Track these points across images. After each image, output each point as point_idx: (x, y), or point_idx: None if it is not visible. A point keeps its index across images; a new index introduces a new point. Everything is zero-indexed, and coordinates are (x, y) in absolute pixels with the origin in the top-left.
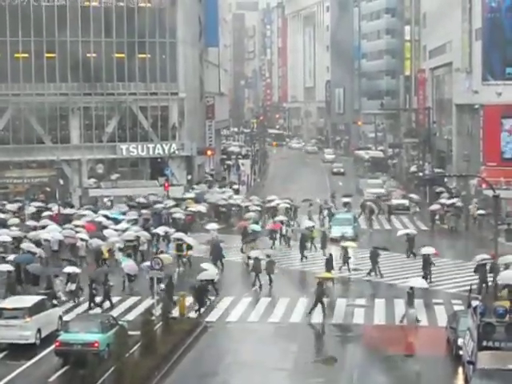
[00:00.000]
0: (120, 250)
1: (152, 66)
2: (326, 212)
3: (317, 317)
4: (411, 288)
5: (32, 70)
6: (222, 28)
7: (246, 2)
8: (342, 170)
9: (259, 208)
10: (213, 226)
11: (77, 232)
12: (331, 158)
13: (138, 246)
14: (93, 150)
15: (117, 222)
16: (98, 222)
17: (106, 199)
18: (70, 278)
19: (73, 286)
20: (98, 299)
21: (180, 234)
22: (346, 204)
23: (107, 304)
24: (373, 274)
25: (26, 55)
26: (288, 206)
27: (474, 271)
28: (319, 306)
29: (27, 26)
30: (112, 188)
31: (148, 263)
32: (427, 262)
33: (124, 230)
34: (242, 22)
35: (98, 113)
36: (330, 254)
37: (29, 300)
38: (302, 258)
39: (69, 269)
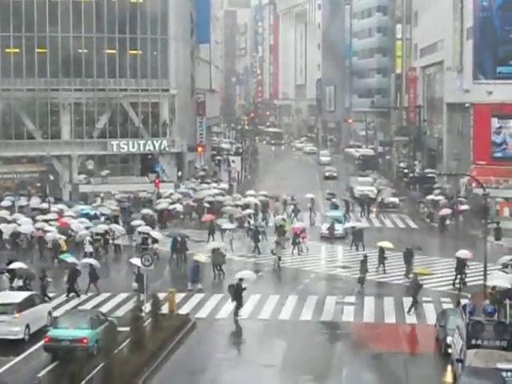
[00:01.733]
0: (90, 243)
1: (143, 62)
2: (291, 208)
3: (307, 314)
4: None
5: (23, 65)
6: (214, 25)
7: None
8: (334, 174)
9: (240, 203)
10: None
11: (50, 226)
12: (327, 161)
13: (109, 239)
14: (83, 146)
15: (89, 217)
16: (69, 216)
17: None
18: (17, 273)
19: (19, 282)
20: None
21: (146, 228)
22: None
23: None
24: (410, 275)
25: (17, 50)
26: (258, 201)
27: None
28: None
29: (18, 22)
30: (102, 184)
31: (89, 260)
32: (462, 266)
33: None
34: (233, 18)
35: (89, 108)
36: (365, 256)
37: (18, 296)
38: (254, 250)
39: (15, 265)
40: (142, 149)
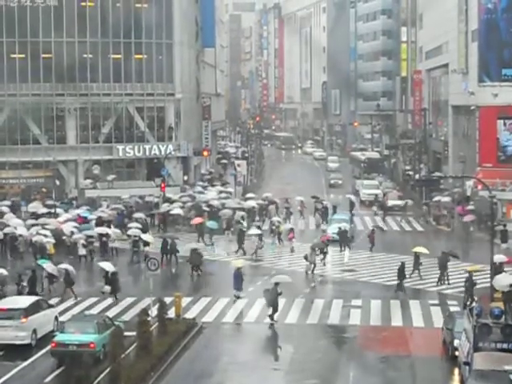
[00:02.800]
0: (83, 246)
1: (148, 66)
2: (284, 211)
3: (313, 317)
4: None
5: (28, 70)
6: (219, 29)
7: (243, 2)
8: (340, 182)
9: (239, 206)
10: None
11: (45, 229)
12: (335, 167)
13: (107, 242)
14: (89, 151)
15: (86, 220)
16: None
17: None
18: None
19: None
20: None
21: (136, 231)
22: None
23: None
24: (446, 282)
25: (23, 56)
26: (256, 204)
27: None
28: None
29: (23, 27)
30: (108, 189)
31: (65, 266)
32: (499, 270)
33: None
34: (238, 22)
35: (95, 113)
36: (402, 263)
37: (25, 300)
38: (237, 251)
39: None
40: (147, 153)
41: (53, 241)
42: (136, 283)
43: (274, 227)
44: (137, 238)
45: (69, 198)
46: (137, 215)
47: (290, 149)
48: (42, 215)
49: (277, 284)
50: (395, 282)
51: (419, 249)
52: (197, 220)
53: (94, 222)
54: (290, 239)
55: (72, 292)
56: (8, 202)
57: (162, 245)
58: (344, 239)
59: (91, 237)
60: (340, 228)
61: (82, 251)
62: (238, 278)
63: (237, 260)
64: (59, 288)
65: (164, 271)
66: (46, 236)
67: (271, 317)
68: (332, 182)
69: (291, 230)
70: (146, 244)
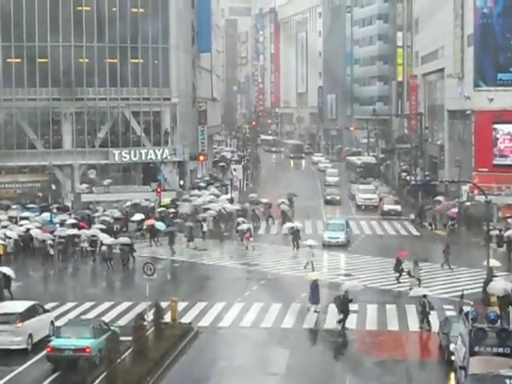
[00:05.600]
0: (51, 246)
1: (144, 71)
2: (251, 213)
3: (309, 322)
4: None
5: (24, 74)
6: (215, 33)
7: (239, 7)
8: (337, 198)
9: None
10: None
11: (11, 231)
12: (334, 182)
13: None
14: (85, 156)
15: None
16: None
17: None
18: None
19: None
20: None
21: (95, 231)
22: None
23: None
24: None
25: (19, 60)
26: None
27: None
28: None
29: (20, 31)
30: (104, 193)
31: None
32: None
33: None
34: (234, 27)
35: (91, 118)
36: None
37: (20, 305)
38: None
39: None
40: (143, 158)
41: (2, 242)
42: (86, 284)
43: (238, 228)
44: (95, 238)
45: (59, 205)
46: (103, 218)
47: (299, 157)
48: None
49: (347, 291)
50: (391, 287)
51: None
52: (148, 222)
53: (57, 224)
54: (246, 238)
55: (9, 293)
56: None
57: (122, 245)
58: (296, 237)
59: (62, 237)
60: (293, 227)
61: (51, 251)
62: (315, 290)
63: (312, 273)
64: None
65: (159, 276)
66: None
67: (342, 323)
68: (328, 197)
69: (248, 229)
70: (104, 244)
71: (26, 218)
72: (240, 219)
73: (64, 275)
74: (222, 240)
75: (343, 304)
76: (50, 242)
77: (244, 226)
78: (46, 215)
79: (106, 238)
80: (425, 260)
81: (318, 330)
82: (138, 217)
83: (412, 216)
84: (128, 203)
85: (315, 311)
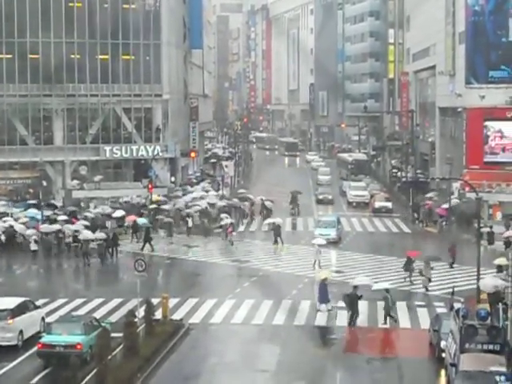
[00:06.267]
0: (35, 242)
1: (136, 67)
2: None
3: (300, 319)
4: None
5: (15, 70)
6: (207, 30)
7: (231, 4)
8: (330, 197)
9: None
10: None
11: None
12: (326, 181)
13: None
14: (76, 152)
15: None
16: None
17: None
18: None
19: None
20: None
21: (78, 227)
22: None
23: None
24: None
25: (10, 56)
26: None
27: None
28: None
29: (11, 27)
30: (95, 190)
31: None
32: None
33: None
34: (226, 24)
35: (82, 114)
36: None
37: (11, 302)
38: (142, 248)
39: None
40: (134, 154)
41: None
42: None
43: (221, 223)
44: (77, 234)
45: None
46: (86, 213)
47: (294, 155)
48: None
49: (355, 287)
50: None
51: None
52: (130, 218)
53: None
54: (229, 233)
55: None
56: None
57: (106, 239)
58: (277, 233)
59: (46, 233)
60: (274, 223)
61: (34, 247)
62: (324, 290)
63: (320, 272)
64: None
65: (150, 272)
66: None
67: (352, 321)
68: (320, 197)
69: (231, 224)
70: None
71: (8, 215)
72: (223, 215)
73: (47, 271)
74: (206, 236)
75: (351, 301)
76: (34, 237)
77: (226, 221)
78: (31, 211)
79: (88, 234)
80: (436, 259)
81: (308, 327)
82: (119, 213)
83: (415, 215)
84: (124, 199)
85: (328, 310)
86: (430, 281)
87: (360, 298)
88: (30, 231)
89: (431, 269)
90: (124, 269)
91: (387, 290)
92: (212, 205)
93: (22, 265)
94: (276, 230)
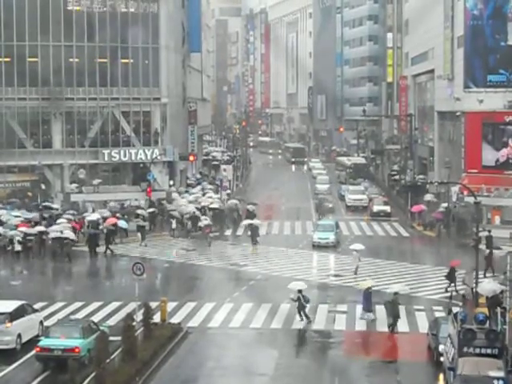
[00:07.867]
0: (19, 242)
1: (135, 71)
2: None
3: (299, 322)
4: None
5: (14, 74)
6: (205, 34)
7: (229, 7)
8: (330, 206)
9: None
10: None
11: None
12: (324, 190)
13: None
14: (75, 155)
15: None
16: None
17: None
18: None
19: None
20: None
21: (59, 227)
22: None
23: None
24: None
25: (8, 59)
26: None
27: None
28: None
29: (9, 30)
30: (94, 193)
31: None
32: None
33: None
34: (225, 27)
35: (81, 118)
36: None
37: (10, 305)
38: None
39: None
40: (133, 158)
41: None
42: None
43: (200, 224)
44: (59, 235)
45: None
46: (66, 216)
47: (301, 163)
48: None
49: (396, 294)
50: (380, 288)
51: None
52: (110, 221)
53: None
54: (207, 233)
55: None
56: None
57: (88, 239)
58: (254, 234)
59: (30, 235)
60: (251, 224)
61: (18, 247)
62: (368, 299)
63: (365, 281)
64: None
65: (149, 276)
66: None
67: (392, 327)
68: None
69: (208, 225)
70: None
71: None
72: (203, 217)
73: (30, 272)
74: (187, 237)
75: (394, 308)
76: (18, 238)
77: (205, 222)
78: (16, 212)
79: (70, 235)
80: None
81: (306, 330)
82: (94, 216)
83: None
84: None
85: (372, 320)
86: (472, 290)
87: (400, 304)
88: (13, 232)
89: (473, 278)
90: (122, 272)
91: (300, 291)
92: (201, 208)
93: (5, 266)
94: (253, 231)
